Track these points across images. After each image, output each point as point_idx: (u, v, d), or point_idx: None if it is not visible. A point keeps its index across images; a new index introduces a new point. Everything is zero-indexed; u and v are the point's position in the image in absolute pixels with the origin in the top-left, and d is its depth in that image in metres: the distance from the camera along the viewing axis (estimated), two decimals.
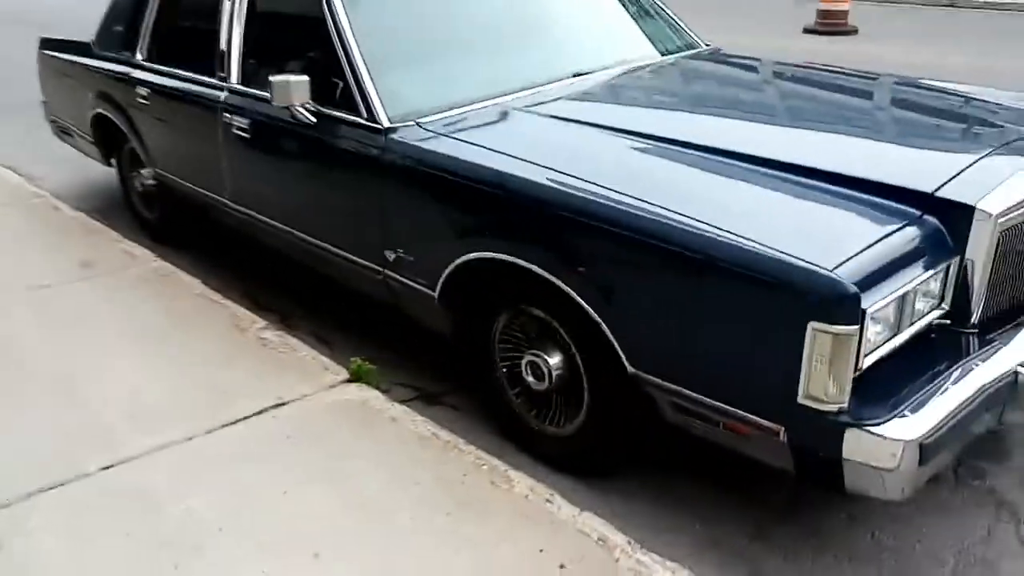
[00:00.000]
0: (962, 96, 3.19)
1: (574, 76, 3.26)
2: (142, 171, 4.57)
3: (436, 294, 2.82)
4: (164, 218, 4.63)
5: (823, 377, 1.94)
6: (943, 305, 2.24)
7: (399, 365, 3.34)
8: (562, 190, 2.39)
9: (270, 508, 2.39)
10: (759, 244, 2.01)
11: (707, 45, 3.92)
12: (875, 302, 1.97)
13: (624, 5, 3.92)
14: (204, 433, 2.75)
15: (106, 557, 2.23)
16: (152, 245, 4.47)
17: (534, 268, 2.44)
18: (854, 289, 1.89)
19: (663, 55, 3.68)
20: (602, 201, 2.29)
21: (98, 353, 3.28)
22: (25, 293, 3.78)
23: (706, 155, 2.52)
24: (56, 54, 5.03)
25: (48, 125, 5.53)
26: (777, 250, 1.98)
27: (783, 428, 2.06)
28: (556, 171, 2.46)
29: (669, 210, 2.18)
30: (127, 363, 3.19)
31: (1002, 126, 2.82)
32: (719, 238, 2.06)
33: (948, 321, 2.27)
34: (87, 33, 4.77)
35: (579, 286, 2.35)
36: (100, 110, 4.58)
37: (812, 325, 1.91)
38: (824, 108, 3.23)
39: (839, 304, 1.89)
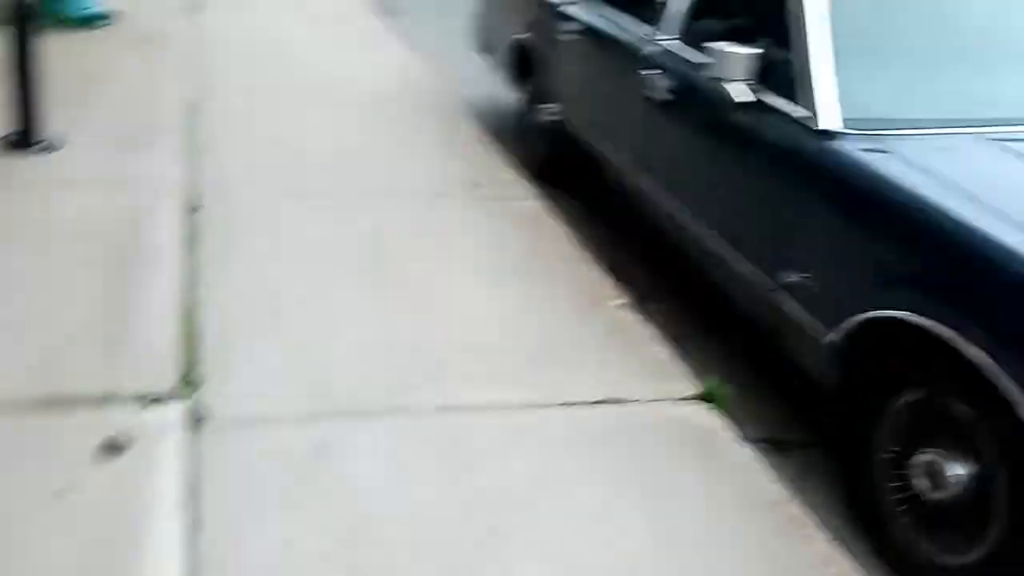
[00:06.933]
0: None
1: None
2: (544, 106, 4.51)
3: (828, 340, 2.34)
4: (553, 158, 4.56)
5: None
6: None
7: (753, 397, 2.92)
8: None
9: (574, 510, 2.17)
10: None
11: None
12: None
13: None
14: (532, 406, 2.58)
15: (423, 498, 2.16)
16: (531, 179, 4.43)
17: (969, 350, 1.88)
18: None
19: None
20: None
21: (457, 271, 3.35)
22: (427, 199, 3.98)
23: None
24: None
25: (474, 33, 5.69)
26: None
27: None
28: None
29: None
30: (478, 294, 3.19)
31: None
32: None
33: None
34: None
35: None
36: (523, 37, 4.57)
37: None
38: None
39: None
